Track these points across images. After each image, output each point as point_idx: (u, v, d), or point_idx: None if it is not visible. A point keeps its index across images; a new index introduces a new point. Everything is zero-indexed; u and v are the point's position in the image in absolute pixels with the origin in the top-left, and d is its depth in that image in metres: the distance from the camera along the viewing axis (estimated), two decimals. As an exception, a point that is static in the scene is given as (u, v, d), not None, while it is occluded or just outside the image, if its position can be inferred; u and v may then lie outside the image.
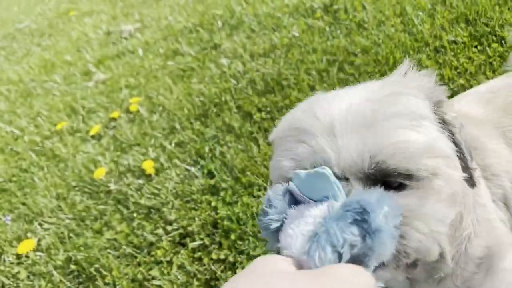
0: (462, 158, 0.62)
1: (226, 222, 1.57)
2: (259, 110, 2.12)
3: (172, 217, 1.70)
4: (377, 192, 0.50)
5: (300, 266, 0.46)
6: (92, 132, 2.52)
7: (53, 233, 1.86)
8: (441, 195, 0.55)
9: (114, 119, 2.60)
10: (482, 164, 0.77)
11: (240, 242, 1.48)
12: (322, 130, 0.56)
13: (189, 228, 1.61)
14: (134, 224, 1.75)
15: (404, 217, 0.51)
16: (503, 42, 1.80)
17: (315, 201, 0.51)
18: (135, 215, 1.80)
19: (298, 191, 0.52)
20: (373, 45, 2.20)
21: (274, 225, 0.52)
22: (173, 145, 2.14)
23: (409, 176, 0.54)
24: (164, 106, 2.50)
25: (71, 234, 1.82)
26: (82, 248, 1.73)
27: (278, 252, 0.51)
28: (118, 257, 1.64)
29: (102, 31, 4.26)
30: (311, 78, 2.19)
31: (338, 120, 0.56)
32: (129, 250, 1.64)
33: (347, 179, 0.55)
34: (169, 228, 1.66)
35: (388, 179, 0.54)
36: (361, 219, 0.45)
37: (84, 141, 2.50)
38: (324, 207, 0.50)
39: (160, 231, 1.66)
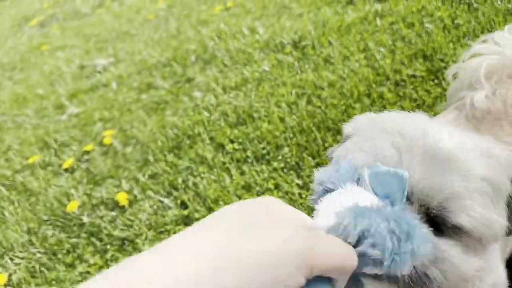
0: None
1: (199, 251, 1.59)
2: (231, 141, 2.19)
3: (146, 247, 1.71)
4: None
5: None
6: (64, 166, 2.52)
7: (24, 268, 1.84)
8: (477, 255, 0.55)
9: (87, 152, 2.61)
10: None
11: (213, 271, 1.51)
12: (404, 152, 0.55)
13: (163, 258, 1.63)
14: (108, 256, 1.75)
15: (441, 260, 0.51)
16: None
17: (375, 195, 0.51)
18: (108, 247, 1.81)
19: (367, 179, 0.51)
20: (339, 79, 2.32)
21: (331, 186, 0.52)
22: (146, 177, 2.17)
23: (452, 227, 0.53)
24: (137, 139, 2.54)
25: (42, 268, 1.81)
26: (54, 282, 1.72)
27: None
28: (90, 289, 1.64)
29: (75, 65, 4.30)
30: (281, 110, 2.28)
31: (422, 152, 0.54)
32: (102, 282, 1.64)
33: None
34: (142, 259, 1.67)
35: (440, 225, 0.53)
36: (406, 238, 0.44)
37: (56, 175, 2.50)
38: (379, 201, 0.49)
39: (133, 262, 1.67)
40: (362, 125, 0.66)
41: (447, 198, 0.52)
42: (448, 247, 0.52)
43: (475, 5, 2.45)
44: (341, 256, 0.41)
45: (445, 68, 2.03)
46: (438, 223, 0.52)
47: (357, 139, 0.62)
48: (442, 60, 2.09)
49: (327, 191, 0.52)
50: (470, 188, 0.52)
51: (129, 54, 4.12)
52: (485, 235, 0.53)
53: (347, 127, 0.69)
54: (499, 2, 2.37)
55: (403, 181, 0.49)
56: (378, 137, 0.58)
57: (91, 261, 1.76)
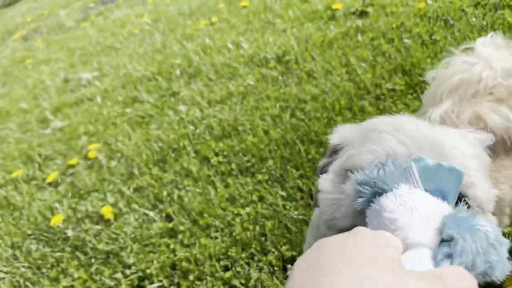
0: None
1: (184, 264, 1.61)
2: (216, 154, 2.21)
3: (131, 260, 1.72)
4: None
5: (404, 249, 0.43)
6: (49, 180, 2.51)
7: (9, 282, 1.82)
8: None
9: (72, 166, 2.61)
10: None
11: (198, 282, 1.52)
12: (427, 143, 0.58)
13: (148, 271, 1.64)
14: (92, 269, 1.75)
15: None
16: (434, 90, 2.01)
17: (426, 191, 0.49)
18: (93, 260, 1.81)
19: (417, 175, 0.49)
20: (321, 93, 2.37)
21: (385, 187, 0.49)
22: (131, 190, 2.18)
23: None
24: (122, 152, 2.55)
25: (27, 283, 1.80)
26: (37, 296, 1.71)
27: (362, 211, 0.50)
28: (75, 304, 1.64)
29: (59, 79, 4.30)
30: (265, 123, 2.31)
31: (428, 144, 0.59)
32: (86, 296, 1.64)
33: None
34: (127, 271, 1.68)
35: None
36: (490, 243, 0.43)
37: (40, 189, 2.49)
38: (446, 205, 0.48)
39: (118, 275, 1.67)
40: (351, 133, 0.68)
41: (470, 182, 0.56)
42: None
43: (451, 21, 2.55)
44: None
45: (423, 82, 2.10)
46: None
47: (358, 144, 0.63)
48: (420, 75, 2.16)
49: (377, 193, 0.49)
50: (474, 167, 0.58)
51: (114, 68, 4.14)
52: (488, 206, 0.59)
53: (333, 138, 0.72)
54: (473, 19, 2.46)
55: (459, 177, 0.48)
56: (380, 137, 0.60)
57: (76, 275, 1.75)
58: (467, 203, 0.55)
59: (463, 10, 2.62)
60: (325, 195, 0.60)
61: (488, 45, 1.07)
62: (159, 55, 4.00)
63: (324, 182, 0.63)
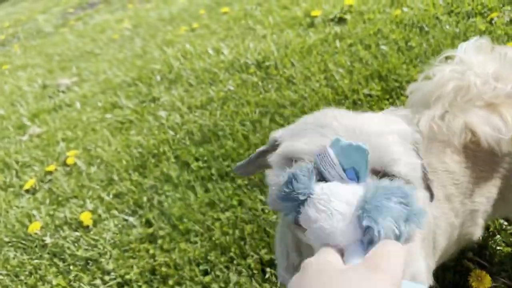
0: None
1: (164, 269, 1.61)
2: (196, 160, 2.22)
3: (110, 266, 1.71)
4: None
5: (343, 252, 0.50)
6: (26, 187, 2.48)
7: (-17, 291, 1.79)
8: None
9: (50, 173, 2.58)
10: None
11: (177, 287, 1.52)
12: (344, 131, 0.64)
13: (127, 277, 1.63)
14: (71, 276, 1.74)
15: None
16: (409, 95, 2.06)
17: (345, 170, 0.55)
18: (71, 267, 1.79)
19: (334, 154, 0.55)
20: (300, 98, 2.41)
21: (301, 197, 0.54)
22: (111, 196, 2.17)
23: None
24: (102, 158, 2.54)
25: (2, 291, 1.77)
26: (14, 305, 1.69)
27: (296, 222, 0.56)
28: (53, 311, 1.62)
29: (37, 85, 4.24)
30: (245, 128, 2.33)
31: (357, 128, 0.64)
32: (65, 303, 1.62)
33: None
34: (107, 278, 1.67)
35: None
36: (406, 202, 0.51)
37: (17, 196, 2.45)
38: (359, 187, 0.54)
39: (98, 281, 1.66)
40: (287, 129, 0.74)
41: (390, 159, 0.61)
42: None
43: (426, 28, 2.62)
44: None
45: (399, 88, 2.15)
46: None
47: (293, 135, 0.69)
48: (396, 80, 2.21)
49: (300, 203, 0.55)
50: (395, 143, 0.63)
51: (93, 73, 4.11)
52: (416, 177, 0.64)
53: (275, 133, 0.77)
54: (447, 26, 2.54)
55: (365, 154, 0.55)
56: (306, 132, 0.66)
57: (54, 282, 1.73)
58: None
59: (437, 17, 2.70)
60: (271, 189, 0.63)
61: (471, 51, 1.07)
62: (139, 61, 3.99)
63: (270, 176, 0.67)
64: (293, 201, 0.55)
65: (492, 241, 1.27)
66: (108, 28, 5.74)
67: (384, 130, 0.64)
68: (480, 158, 0.98)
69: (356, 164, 0.55)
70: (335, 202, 0.52)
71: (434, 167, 0.96)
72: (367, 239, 0.50)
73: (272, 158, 0.69)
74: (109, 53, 4.62)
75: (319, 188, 0.54)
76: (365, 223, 0.50)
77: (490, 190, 0.99)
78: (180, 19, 5.03)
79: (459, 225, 0.98)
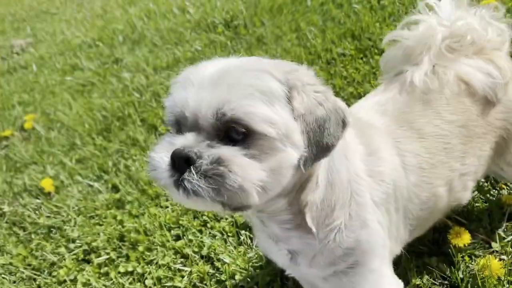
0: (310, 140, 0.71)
1: (133, 235, 1.54)
2: (164, 122, 2.12)
3: (75, 234, 1.62)
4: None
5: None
6: (-20, 153, 2.32)
7: None
8: (268, 160, 0.67)
9: (6, 138, 2.42)
10: (375, 170, 0.85)
11: (148, 253, 1.46)
12: (191, 84, 0.69)
13: (94, 244, 1.55)
14: (32, 245, 1.64)
15: (227, 162, 0.65)
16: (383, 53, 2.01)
17: None
18: (33, 236, 1.69)
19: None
20: (272, 58, 2.32)
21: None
22: (74, 161, 2.05)
23: (246, 134, 0.66)
24: (63, 122, 2.39)
25: (-42, 263, 1.66)
26: (-29, 277, 1.58)
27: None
28: (14, 282, 1.53)
29: (-11, 46, 3.96)
30: (214, 90, 2.24)
31: (203, 78, 0.69)
32: (27, 273, 1.53)
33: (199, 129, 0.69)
34: (71, 246, 1.58)
35: (230, 133, 0.67)
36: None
37: (-29, 163, 2.29)
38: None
39: (62, 249, 1.57)
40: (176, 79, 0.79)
41: (233, 112, 0.65)
42: (233, 152, 0.65)
43: (399, -13, 2.55)
44: None
45: (373, 47, 2.10)
46: (232, 136, 0.67)
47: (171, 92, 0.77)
48: (369, 39, 2.15)
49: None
50: (245, 95, 0.66)
51: (50, 34, 3.86)
52: (270, 132, 0.65)
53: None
54: (420, -15, 2.48)
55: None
56: (177, 86, 0.74)
57: (14, 252, 1.63)
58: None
59: (410, -25, 2.63)
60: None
61: (450, 6, 1.02)
62: (99, 21, 3.77)
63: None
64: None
65: (470, 198, 1.26)
66: (64, -14, 5.39)
67: (245, 82, 0.67)
68: (474, 112, 0.94)
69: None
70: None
71: (423, 132, 0.92)
72: None
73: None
74: (67, 13, 4.35)
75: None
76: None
77: (482, 148, 0.96)
78: (143, -24, 4.78)
79: (447, 193, 0.95)
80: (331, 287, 0.89)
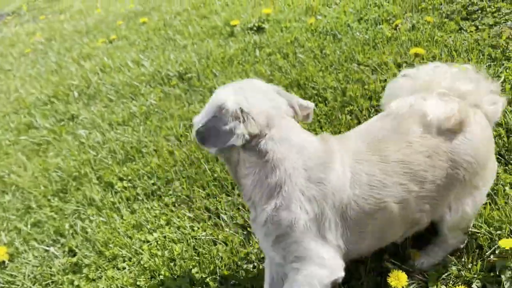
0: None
1: (90, 300, 1.54)
2: (121, 179, 2.15)
3: (31, 304, 1.61)
4: None
5: None
6: None
7: None
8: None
9: (-42, 205, 2.37)
10: (317, 176, 1.07)
11: (106, 318, 1.46)
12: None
13: (51, 313, 1.54)
14: (-13, 319, 1.61)
15: None
16: (326, 102, 2.14)
17: None
18: (-13, 309, 1.66)
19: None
20: (223, 109, 2.41)
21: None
22: (29, 226, 2.04)
23: None
24: (17, 185, 2.37)
25: None
26: None
27: None
28: None
29: None
30: (170, 143, 2.30)
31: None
32: None
33: None
34: (28, 317, 1.57)
35: None
36: None
37: None
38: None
39: (17, 322, 1.55)
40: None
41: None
42: None
43: (339, 36, 2.74)
44: None
45: (317, 95, 2.23)
46: None
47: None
48: (313, 88, 2.29)
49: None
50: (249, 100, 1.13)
51: (3, 92, 3.84)
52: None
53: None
54: (358, 33, 2.67)
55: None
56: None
57: (-32, 328, 1.60)
58: None
59: (348, 25, 2.83)
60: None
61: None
62: (54, 77, 3.79)
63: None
64: None
65: (406, 243, 1.35)
66: (18, 41, 5.40)
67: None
68: (441, 145, 1.10)
69: None
70: None
71: (388, 159, 1.09)
72: None
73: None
74: (21, 69, 4.34)
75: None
76: None
77: (442, 179, 1.10)
78: (97, 30, 4.86)
79: (399, 210, 1.09)
80: (276, 255, 1.12)
